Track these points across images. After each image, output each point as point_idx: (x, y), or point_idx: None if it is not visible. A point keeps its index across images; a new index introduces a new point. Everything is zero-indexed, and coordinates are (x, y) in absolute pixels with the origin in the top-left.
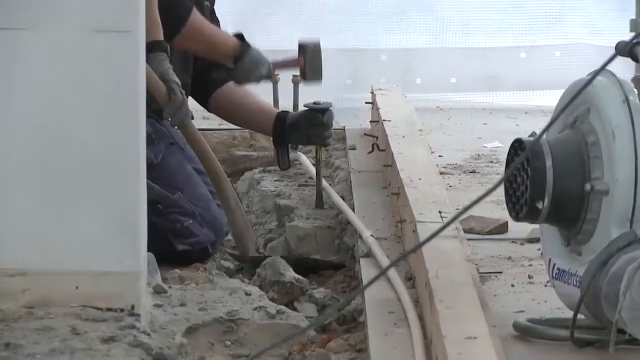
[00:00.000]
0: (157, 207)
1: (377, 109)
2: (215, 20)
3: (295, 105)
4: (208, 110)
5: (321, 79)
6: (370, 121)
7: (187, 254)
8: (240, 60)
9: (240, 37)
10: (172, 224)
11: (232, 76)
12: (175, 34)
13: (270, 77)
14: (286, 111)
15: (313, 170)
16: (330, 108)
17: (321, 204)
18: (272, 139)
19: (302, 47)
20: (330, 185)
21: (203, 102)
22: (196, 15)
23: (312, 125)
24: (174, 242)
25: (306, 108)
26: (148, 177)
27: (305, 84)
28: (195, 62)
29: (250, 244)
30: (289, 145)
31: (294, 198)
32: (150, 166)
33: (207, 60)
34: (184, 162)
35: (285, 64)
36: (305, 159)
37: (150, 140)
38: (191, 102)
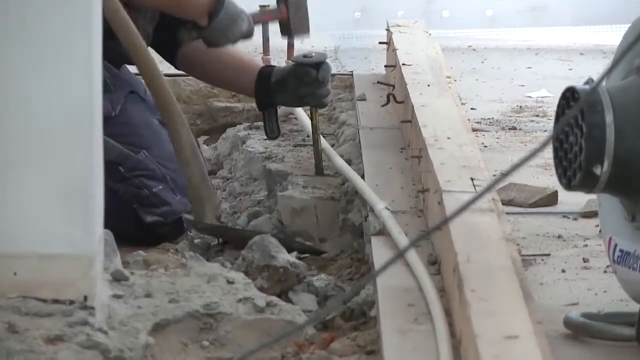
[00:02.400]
0: (118, 170)
1: (394, 50)
2: None
3: (291, 45)
4: (175, 67)
5: (308, 31)
6: (385, 66)
7: (157, 226)
8: (215, 17)
9: None
10: (138, 190)
11: (205, 36)
12: None
13: (251, 35)
14: (271, 66)
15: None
16: (326, 60)
17: (321, 170)
18: (255, 101)
19: None
20: (333, 146)
21: (169, 56)
22: None
23: (304, 84)
24: (140, 212)
25: (294, 62)
26: (105, 133)
27: (289, 38)
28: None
29: (208, 208)
30: (277, 107)
31: (288, 161)
32: (107, 119)
33: (175, 17)
34: (148, 113)
35: (266, 17)
36: (302, 113)
37: (106, 88)
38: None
